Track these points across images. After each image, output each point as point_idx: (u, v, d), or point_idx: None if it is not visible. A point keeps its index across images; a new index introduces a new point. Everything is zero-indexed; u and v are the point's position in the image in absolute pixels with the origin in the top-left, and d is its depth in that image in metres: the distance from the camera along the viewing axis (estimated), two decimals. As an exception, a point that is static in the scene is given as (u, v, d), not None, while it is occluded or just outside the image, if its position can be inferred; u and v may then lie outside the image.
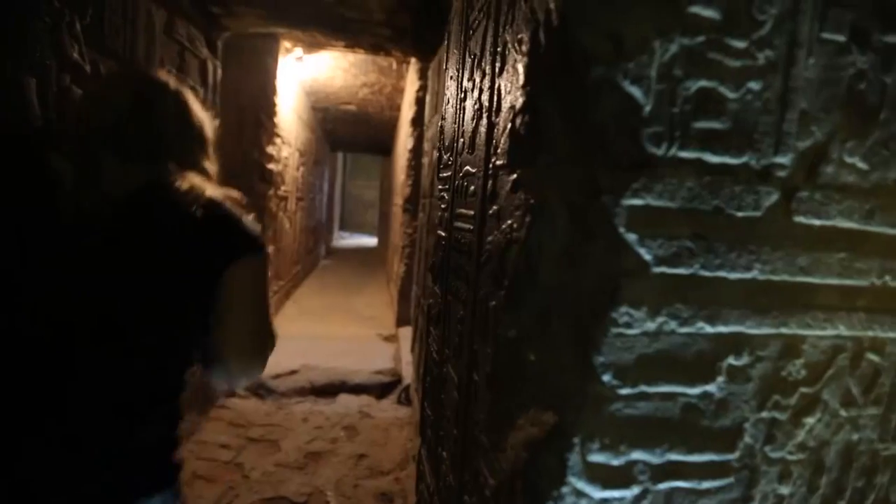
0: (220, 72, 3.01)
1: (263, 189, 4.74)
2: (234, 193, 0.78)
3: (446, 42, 1.08)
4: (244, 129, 4.61)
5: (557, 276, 0.51)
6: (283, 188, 5.45)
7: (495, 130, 0.65)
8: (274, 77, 4.63)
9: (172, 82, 0.78)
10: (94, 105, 0.74)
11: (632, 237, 0.46)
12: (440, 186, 1.05)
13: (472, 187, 0.77)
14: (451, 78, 1.02)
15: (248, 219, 0.74)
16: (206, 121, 0.79)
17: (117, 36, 1.98)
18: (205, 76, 2.84)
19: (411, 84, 4.98)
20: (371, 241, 13.87)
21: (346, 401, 3.72)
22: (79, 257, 0.61)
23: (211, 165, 0.78)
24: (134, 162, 0.66)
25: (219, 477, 2.62)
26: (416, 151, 4.76)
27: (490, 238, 0.64)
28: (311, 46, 4.74)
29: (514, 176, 0.56)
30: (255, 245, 0.73)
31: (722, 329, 0.50)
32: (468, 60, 0.85)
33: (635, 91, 0.45)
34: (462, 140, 0.86)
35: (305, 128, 6.36)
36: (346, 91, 5.98)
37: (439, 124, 1.12)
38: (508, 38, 0.61)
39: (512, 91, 0.59)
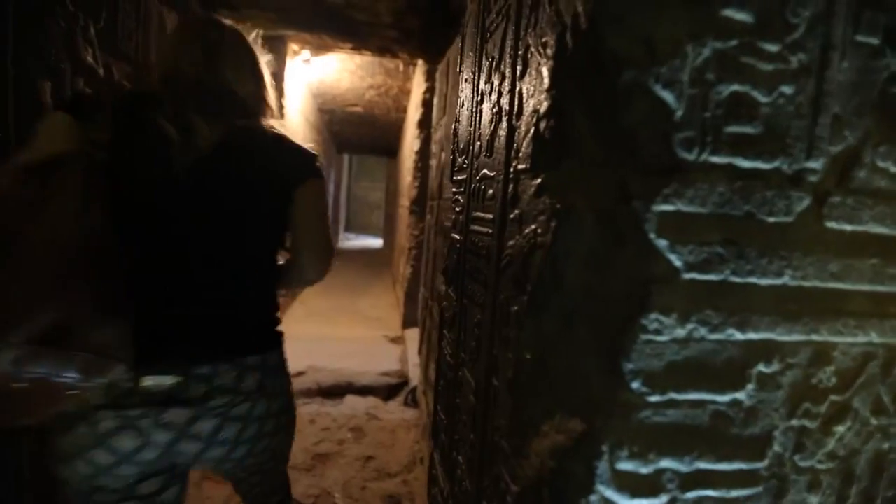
0: (229, 74, 3.04)
1: (271, 191, 4.76)
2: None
3: (460, 44, 1.08)
4: (252, 131, 4.63)
5: (583, 281, 0.51)
6: (290, 190, 5.46)
7: (516, 134, 0.65)
8: (281, 79, 4.65)
9: (228, 24, 0.97)
10: (174, 66, 0.91)
11: (662, 243, 0.46)
12: (454, 189, 1.05)
13: (491, 191, 0.76)
14: (467, 81, 1.02)
15: (308, 149, 0.96)
16: (258, 54, 0.98)
17: (130, 39, 2.00)
18: (214, 78, 2.86)
19: (418, 86, 4.98)
20: (376, 242, 13.86)
21: (352, 402, 3.72)
22: (203, 188, 0.85)
23: (269, 96, 0.97)
24: (216, 120, 0.86)
25: (227, 478, 2.62)
26: (423, 153, 4.77)
27: (511, 242, 0.63)
28: (319, 49, 4.76)
29: (539, 180, 0.56)
30: (315, 171, 0.94)
31: (752, 336, 0.49)
32: (485, 63, 0.85)
33: (667, 95, 0.44)
34: (479, 143, 0.86)
35: (312, 130, 6.38)
36: (353, 93, 6.00)
37: (453, 127, 1.12)
38: (531, 42, 0.60)
39: (535, 95, 0.58)
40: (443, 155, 2.76)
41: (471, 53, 0.98)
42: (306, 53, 5.04)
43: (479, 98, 0.88)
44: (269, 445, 0.94)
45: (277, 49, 4.64)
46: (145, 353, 0.76)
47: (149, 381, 0.79)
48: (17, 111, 1.39)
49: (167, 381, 0.80)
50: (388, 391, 3.80)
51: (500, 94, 0.72)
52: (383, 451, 2.98)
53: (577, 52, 0.50)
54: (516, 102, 0.64)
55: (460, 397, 0.92)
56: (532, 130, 0.58)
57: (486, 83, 0.83)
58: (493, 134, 0.75)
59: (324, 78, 5.65)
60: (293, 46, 4.82)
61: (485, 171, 0.80)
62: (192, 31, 0.97)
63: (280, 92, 4.75)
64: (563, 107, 0.52)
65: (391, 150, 9.57)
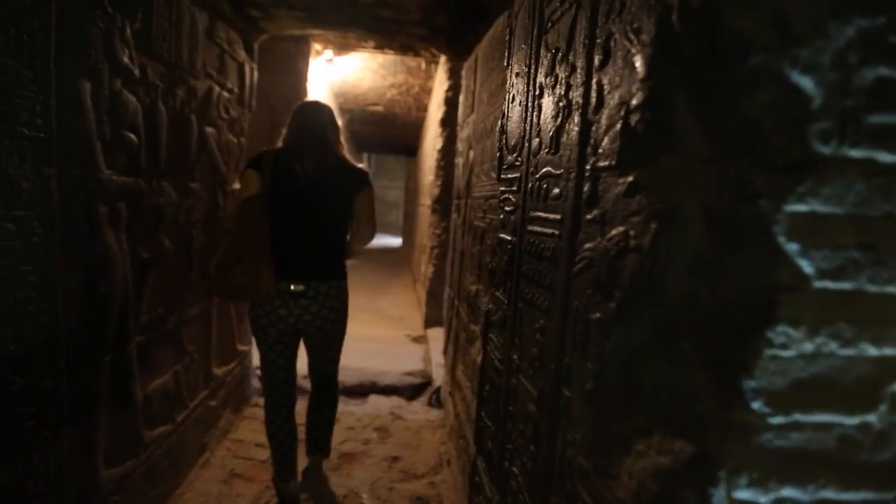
0: (256, 74, 3.04)
1: (294, 190, 4.79)
2: (356, 159, 2.44)
3: (507, 38, 1.03)
4: (276, 131, 4.67)
5: (687, 288, 0.46)
6: (312, 189, 5.48)
7: (594, 129, 0.60)
8: (305, 79, 4.67)
9: (323, 102, 1.97)
10: (294, 128, 1.90)
11: (792, 247, 0.41)
12: (503, 188, 1.00)
13: (557, 190, 0.72)
14: (518, 75, 0.97)
15: (362, 169, 1.92)
16: (335, 115, 1.90)
17: (163, 40, 2.01)
18: (242, 78, 2.87)
19: (440, 84, 4.94)
20: (395, 241, 13.86)
21: (376, 402, 3.71)
22: (311, 195, 1.76)
23: (342, 139, 1.91)
24: (316, 156, 1.77)
25: (256, 476, 2.64)
26: (446, 152, 4.73)
27: (589, 245, 0.59)
28: (342, 48, 4.75)
29: (630, 178, 0.51)
30: (367, 182, 1.88)
31: (887, 351, 0.44)
32: (544, 55, 0.80)
33: (804, 81, 0.39)
34: (537, 140, 0.81)
35: (333, 129, 6.40)
36: (374, 92, 6.00)
37: (500, 124, 1.07)
38: (615, 29, 0.56)
39: (623, 85, 0.54)
40: (471, 153, 2.72)
41: (523, 46, 0.94)
42: (329, 53, 5.05)
43: (536, 92, 0.83)
44: (337, 326, 1.95)
45: (301, 49, 4.65)
46: (292, 275, 1.74)
47: (293, 287, 1.74)
48: (59, 111, 1.40)
49: (301, 287, 1.76)
50: (411, 391, 3.77)
51: (568, 87, 0.68)
52: (409, 451, 2.96)
53: (685, 35, 0.45)
54: (594, 95, 0.59)
55: (514, 405, 0.88)
56: (619, 125, 0.53)
57: (546, 76, 0.78)
58: (560, 129, 0.70)
59: (346, 77, 5.66)
60: (316, 46, 4.83)
61: (547, 168, 0.76)
62: (305, 108, 1.95)
63: (304, 92, 4.76)
64: (662, 98, 0.47)
65: (411, 148, 9.56)
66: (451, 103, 4.64)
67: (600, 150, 0.58)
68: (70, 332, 1.52)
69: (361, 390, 3.78)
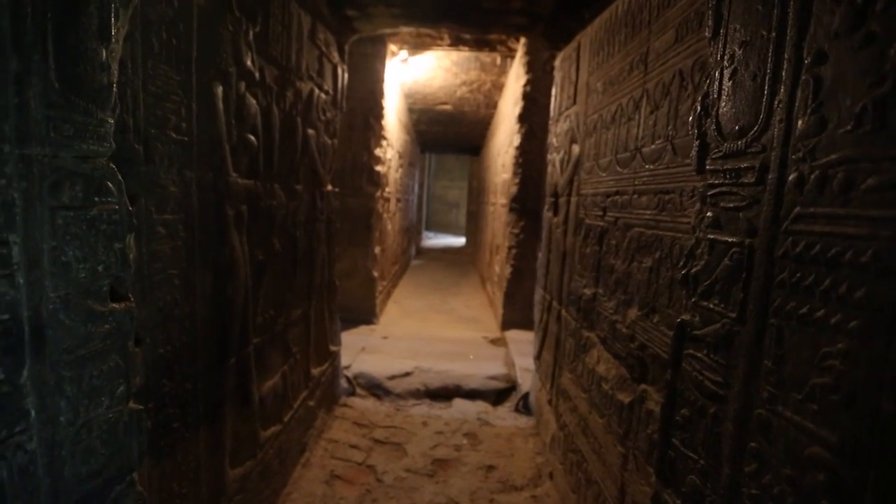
0: (346, 76, 3.03)
1: (371, 190, 4.81)
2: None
3: (715, 4, 0.87)
4: (353, 132, 4.71)
5: None
6: (386, 190, 5.51)
7: None
8: (382, 80, 4.67)
9: None
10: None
11: None
12: (715, 182, 0.85)
13: (875, 179, 0.55)
14: (745, 45, 0.81)
15: None
16: None
17: (277, 43, 2.00)
18: (336, 80, 2.87)
19: (516, 79, 4.76)
20: (457, 240, 13.76)
21: (461, 406, 3.62)
22: None
23: None
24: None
25: (355, 479, 2.62)
26: (524, 149, 4.56)
27: None
28: (416, 48, 4.72)
29: None
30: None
31: None
32: (826, 9, 0.64)
33: None
34: (813, 117, 0.65)
35: (403, 130, 6.42)
36: (444, 91, 5.93)
37: (698, 108, 0.91)
38: None
39: None
40: (574, 147, 2.53)
41: (759, 7, 0.78)
42: (404, 53, 5.03)
43: (807, 60, 0.66)
44: None
45: (378, 51, 4.66)
46: None
47: None
48: (198, 115, 1.40)
49: None
50: (495, 396, 3.64)
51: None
52: (503, 460, 2.83)
53: None
54: None
55: (763, 442, 0.73)
56: None
57: (835, 38, 0.62)
58: (890, 99, 0.54)
59: (417, 77, 5.63)
60: (392, 47, 4.82)
61: (846, 152, 0.60)
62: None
63: (380, 93, 4.76)
64: None
65: (475, 148, 9.43)
66: (529, 98, 4.46)
67: None
68: (206, 334, 1.52)
69: (446, 393, 3.70)
